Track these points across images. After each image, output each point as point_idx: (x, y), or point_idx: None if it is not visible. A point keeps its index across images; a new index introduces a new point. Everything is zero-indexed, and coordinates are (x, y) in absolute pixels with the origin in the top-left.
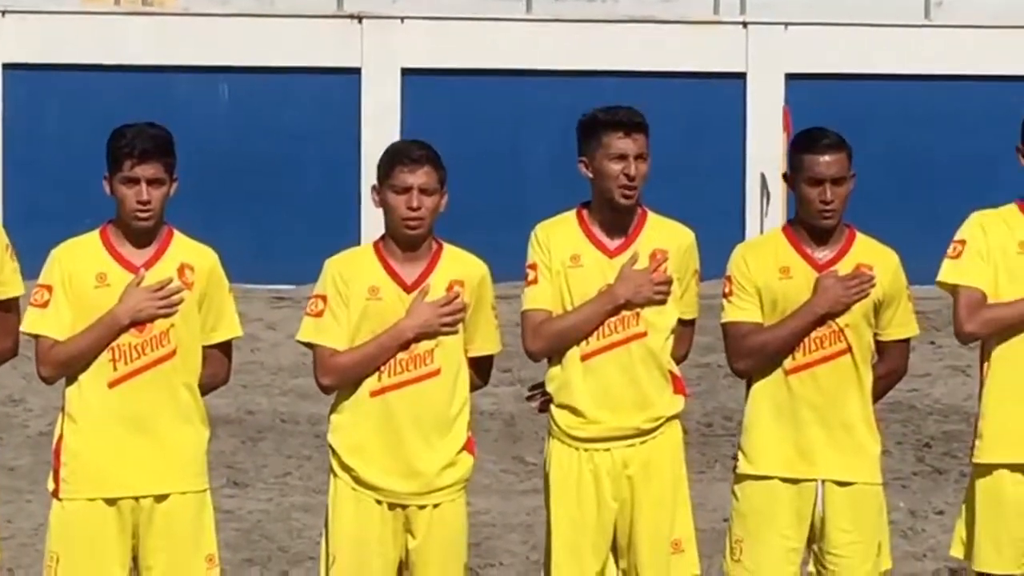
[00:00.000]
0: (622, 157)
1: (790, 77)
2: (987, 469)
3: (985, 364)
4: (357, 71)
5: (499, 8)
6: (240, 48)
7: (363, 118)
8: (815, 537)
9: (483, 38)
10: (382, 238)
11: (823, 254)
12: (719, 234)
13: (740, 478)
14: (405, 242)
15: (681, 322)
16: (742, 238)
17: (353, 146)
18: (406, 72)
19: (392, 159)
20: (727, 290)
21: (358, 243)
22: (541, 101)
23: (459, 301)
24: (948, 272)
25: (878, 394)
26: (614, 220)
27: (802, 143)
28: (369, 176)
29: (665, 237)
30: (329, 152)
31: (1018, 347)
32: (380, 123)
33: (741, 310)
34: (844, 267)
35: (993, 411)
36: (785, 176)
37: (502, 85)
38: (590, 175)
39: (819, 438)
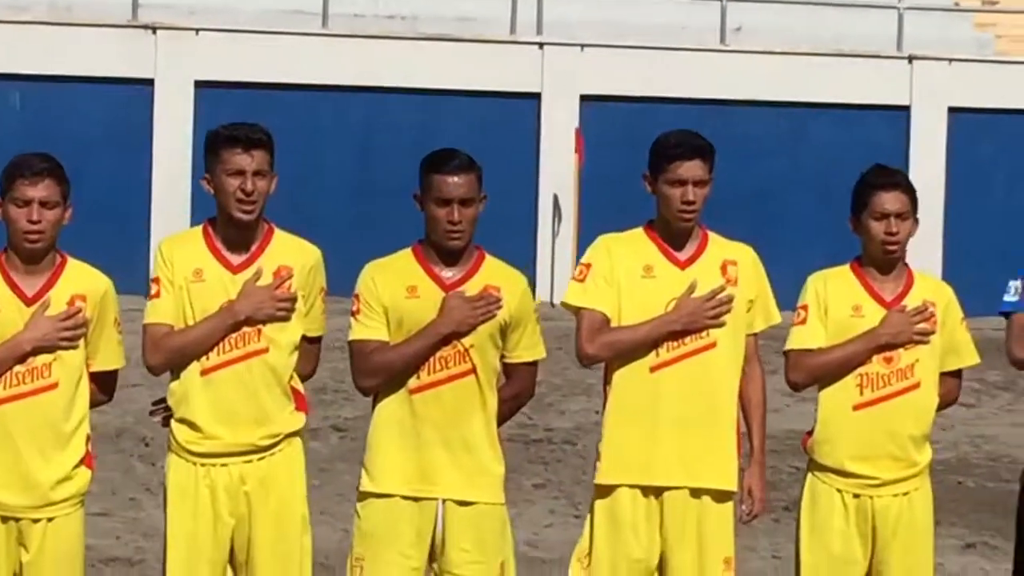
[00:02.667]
0: (239, 173)
1: (584, 99)
2: (607, 490)
3: (607, 387)
4: (151, 82)
5: (295, 23)
6: (33, 57)
7: (155, 130)
8: (435, 556)
9: (278, 52)
10: (4, 250)
11: (450, 273)
12: (512, 253)
13: (362, 496)
14: (25, 255)
15: (307, 339)
16: (534, 257)
17: (145, 157)
18: (200, 84)
19: (13, 172)
20: (355, 308)
21: (147, 253)
22: (335, 117)
23: (80, 316)
24: (571, 294)
25: (503, 416)
26: (238, 236)
27: None
28: (160, 188)
29: (290, 254)
30: (120, 163)
31: (638, 371)
32: (173, 135)
33: (368, 328)
34: (472, 288)
35: (612, 433)
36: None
37: (296, 99)
38: (211, 190)
39: (441, 458)
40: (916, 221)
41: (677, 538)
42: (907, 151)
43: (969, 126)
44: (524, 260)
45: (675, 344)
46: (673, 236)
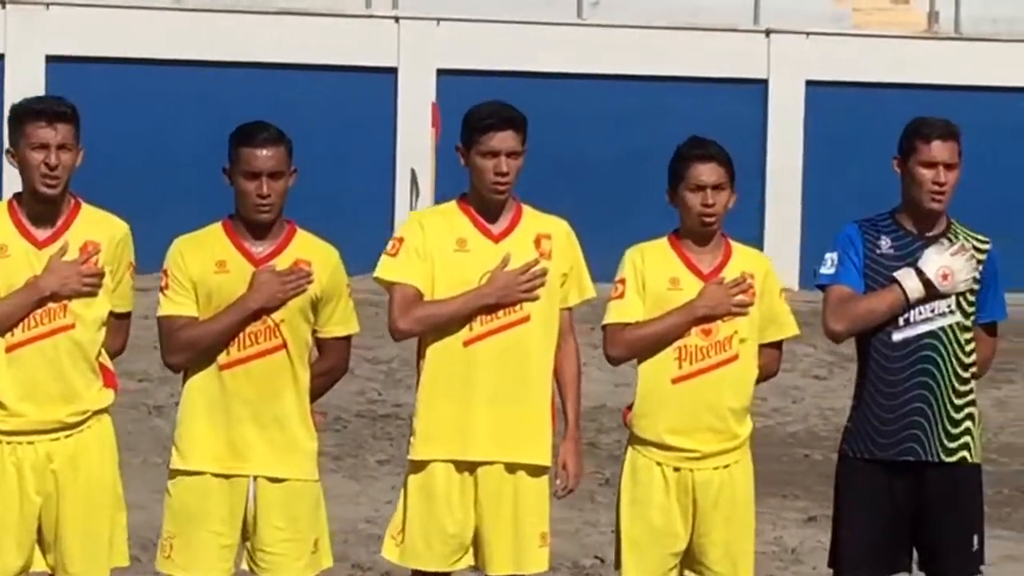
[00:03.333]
0: (43, 147)
1: (441, 72)
2: (420, 465)
3: (421, 361)
4: (1, 57)
5: None
6: None
7: (5, 103)
8: (248, 534)
9: (132, 26)
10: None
11: (260, 248)
12: (369, 228)
13: (173, 474)
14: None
15: (115, 315)
16: (390, 232)
17: None
18: (51, 59)
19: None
20: (163, 284)
21: None
22: (188, 92)
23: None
24: (383, 269)
25: (316, 392)
26: (43, 211)
27: None
28: None
29: (98, 228)
30: None
31: (451, 345)
32: None
33: (175, 304)
34: (282, 262)
35: (426, 408)
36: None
37: (149, 74)
38: (16, 164)
39: (251, 434)
40: (734, 192)
41: (492, 513)
42: (765, 124)
43: (826, 99)
44: (381, 235)
45: (488, 318)
46: (487, 209)
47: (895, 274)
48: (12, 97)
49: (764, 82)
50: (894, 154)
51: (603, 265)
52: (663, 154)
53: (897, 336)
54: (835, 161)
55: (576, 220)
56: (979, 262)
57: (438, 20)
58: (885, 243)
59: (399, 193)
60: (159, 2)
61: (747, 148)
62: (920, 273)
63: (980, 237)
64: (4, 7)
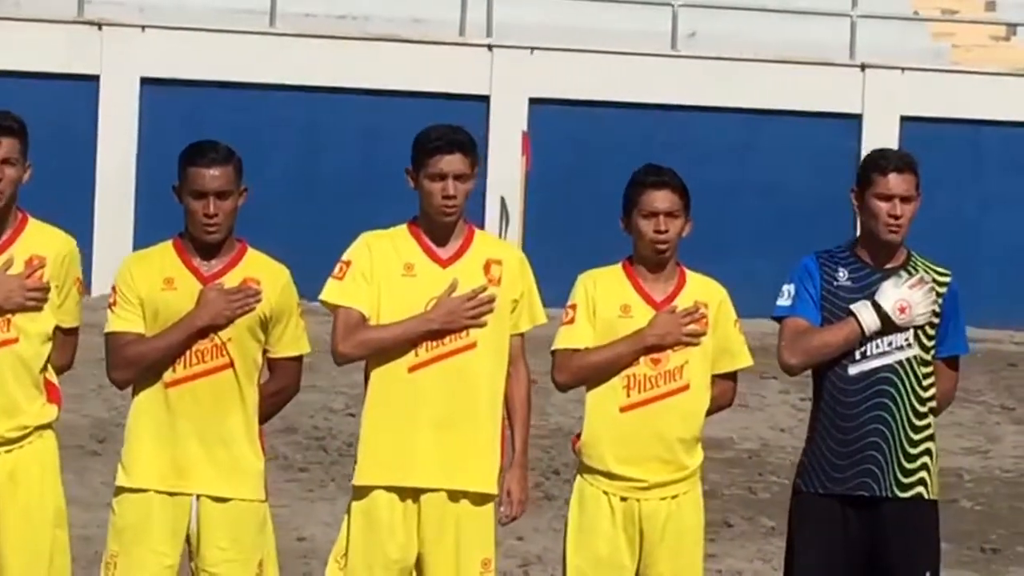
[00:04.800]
0: None
1: (533, 101)
2: (364, 491)
3: (366, 386)
4: (96, 78)
5: (244, 21)
6: None
7: (100, 125)
8: (192, 554)
9: (226, 50)
10: None
11: (208, 266)
12: None
13: (118, 491)
14: None
15: (63, 330)
16: None
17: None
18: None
19: None
20: (112, 300)
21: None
22: (281, 116)
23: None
24: (329, 292)
25: (266, 413)
26: None
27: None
28: (106, 186)
29: (44, 243)
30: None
31: (395, 371)
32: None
33: (122, 320)
34: (230, 280)
35: (369, 434)
36: None
37: (243, 98)
38: None
39: (196, 453)
40: (689, 220)
41: (435, 539)
42: (857, 158)
43: (921, 135)
44: None
45: (434, 344)
46: (436, 233)
47: (851, 307)
48: (106, 120)
49: (859, 117)
50: (987, 190)
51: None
52: (756, 187)
53: (853, 370)
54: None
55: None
56: (939, 295)
57: (531, 49)
58: (843, 275)
59: (489, 221)
60: (255, 26)
61: (838, 182)
62: (877, 306)
63: (940, 269)
64: (100, 29)
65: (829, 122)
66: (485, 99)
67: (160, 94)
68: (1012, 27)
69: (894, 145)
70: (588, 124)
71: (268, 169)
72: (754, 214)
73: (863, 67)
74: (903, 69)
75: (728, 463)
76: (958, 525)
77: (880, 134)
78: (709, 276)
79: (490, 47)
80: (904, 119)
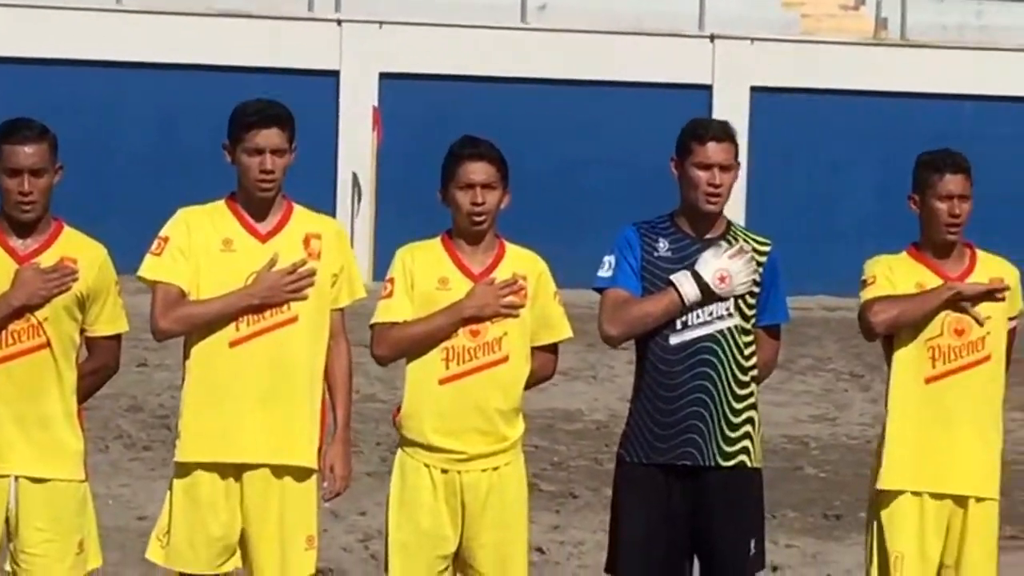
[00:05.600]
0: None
1: (384, 76)
2: (186, 468)
3: (186, 362)
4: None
5: None
6: None
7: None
8: (11, 535)
9: (68, 28)
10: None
11: (24, 245)
12: None
13: None
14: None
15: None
16: None
17: None
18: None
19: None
20: None
21: None
22: (128, 94)
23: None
24: (146, 268)
25: (85, 392)
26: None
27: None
28: None
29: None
30: None
31: (216, 346)
32: None
33: None
34: (46, 259)
35: (190, 411)
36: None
37: (88, 76)
38: None
39: (12, 433)
40: (507, 192)
41: (258, 516)
42: None
43: (771, 105)
44: None
45: (255, 319)
46: (255, 208)
47: (671, 277)
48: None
49: (709, 88)
50: (839, 160)
51: (562, 274)
52: (606, 160)
53: (674, 340)
54: (779, 166)
55: (516, 227)
56: (759, 264)
57: (380, 23)
58: (663, 245)
59: (340, 197)
60: (102, 3)
61: None
62: (697, 276)
63: (760, 239)
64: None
65: (679, 93)
66: (335, 74)
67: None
68: None
69: (744, 116)
70: (439, 98)
71: (121, 147)
72: (606, 187)
73: (712, 38)
74: (753, 39)
75: (576, 435)
76: (803, 492)
77: (730, 104)
78: (529, 248)
79: (339, 22)
80: (754, 89)
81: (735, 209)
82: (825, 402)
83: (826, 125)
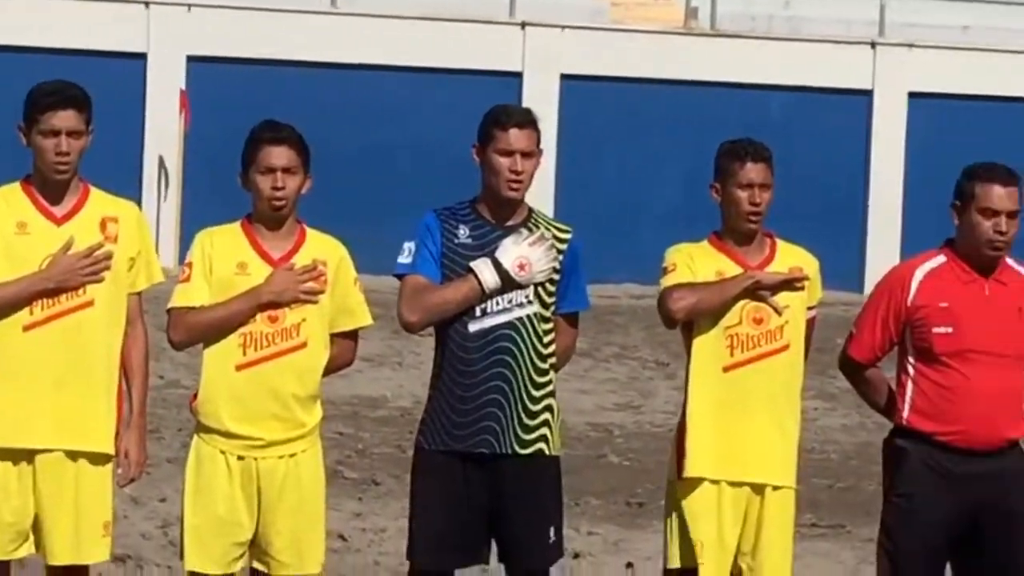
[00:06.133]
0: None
1: (191, 59)
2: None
3: None
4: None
5: None
6: None
7: None
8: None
9: None
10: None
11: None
12: None
13: None
14: None
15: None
16: None
17: None
18: None
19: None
20: None
21: None
22: None
23: None
24: None
25: None
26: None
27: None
28: None
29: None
30: None
31: (10, 330)
32: None
33: None
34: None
35: None
36: None
37: None
38: None
39: None
40: (308, 176)
41: (52, 502)
42: None
43: (581, 92)
44: None
45: (50, 302)
46: (50, 191)
47: (471, 264)
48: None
49: (519, 75)
50: (649, 149)
51: (365, 260)
52: (415, 146)
53: (473, 327)
54: (588, 155)
55: (321, 213)
56: (559, 252)
57: (189, 6)
58: (464, 232)
59: (147, 180)
60: None
61: None
62: (497, 263)
63: (561, 227)
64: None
65: (490, 80)
66: (142, 56)
67: None
68: None
69: (554, 104)
70: (248, 82)
71: None
72: (413, 173)
73: (523, 25)
74: (563, 27)
75: (380, 422)
76: (606, 480)
77: (541, 92)
78: (329, 235)
79: (147, 4)
80: (564, 77)
81: (543, 197)
82: (630, 390)
83: (635, 114)
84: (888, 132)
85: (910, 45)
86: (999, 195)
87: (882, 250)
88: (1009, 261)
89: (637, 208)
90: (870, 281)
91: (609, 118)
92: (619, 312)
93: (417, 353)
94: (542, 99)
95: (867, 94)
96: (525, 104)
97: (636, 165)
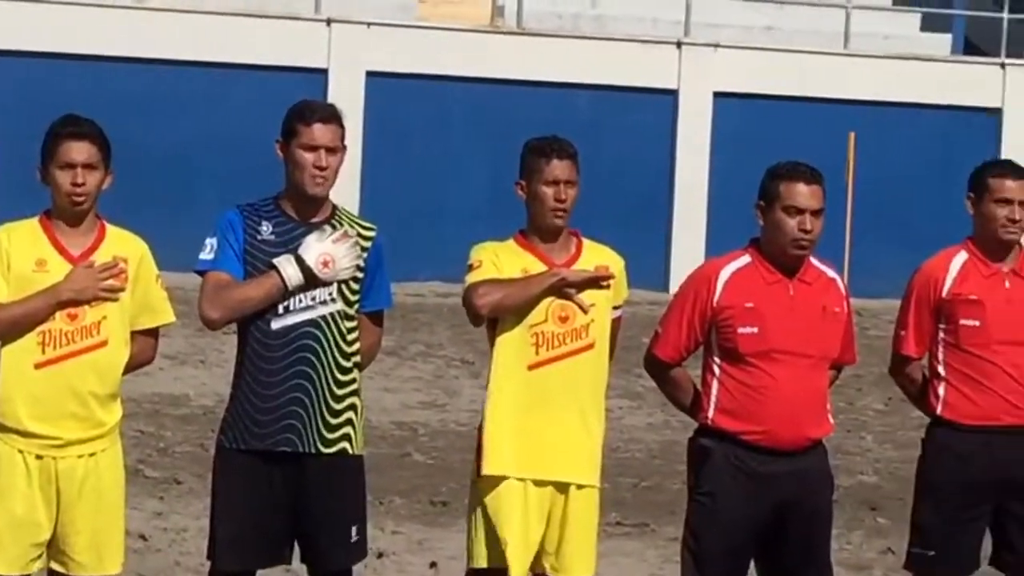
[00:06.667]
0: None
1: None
2: None
3: None
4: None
5: None
6: None
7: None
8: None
9: None
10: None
11: None
12: None
13: None
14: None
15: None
16: None
17: None
18: None
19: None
20: None
21: None
22: None
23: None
24: None
25: None
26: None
27: None
28: None
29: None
30: None
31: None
32: None
33: None
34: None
35: None
36: None
37: None
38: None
39: None
40: (109, 173)
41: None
42: None
43: (387, 89)
44: None
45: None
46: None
47: (274, 260)
48: None
49: (324, 71)
50: (455, 147)
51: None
52: (219, 142)
53: (276, 324)
54: (394, 152)
55: (124, 207)
56: (364, 249)
57: None
58: (266, 229)
59: None
60: None
61: None
62: (300, 260)
63: (366, 224)
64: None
65: (295, 77)
66: None
67: None
68: None
69: (360, 100)
70: (50, 76)
71: None
72: (219, 170)
73: (329, 22)
74: (369, 24)
75: (183, 420)
76: (410, 479)
77: (346, 89)
78: (130, 231)
79: None
80: (370, 74)
81: (348, 194)
82: (435, 388)
83: (442, 111)
84: (693, 132)
85: (715, 45)
86: (803, 193)
87: (687, 249)
88: (813, 261)
89: (443, 206)
90: (675, 280)
91: (415, 116)
92: (424, 310)
93: (220, 351)
94: (348, 96)
95: (673, 93)
96: (331, 101)
97: (442, 163)
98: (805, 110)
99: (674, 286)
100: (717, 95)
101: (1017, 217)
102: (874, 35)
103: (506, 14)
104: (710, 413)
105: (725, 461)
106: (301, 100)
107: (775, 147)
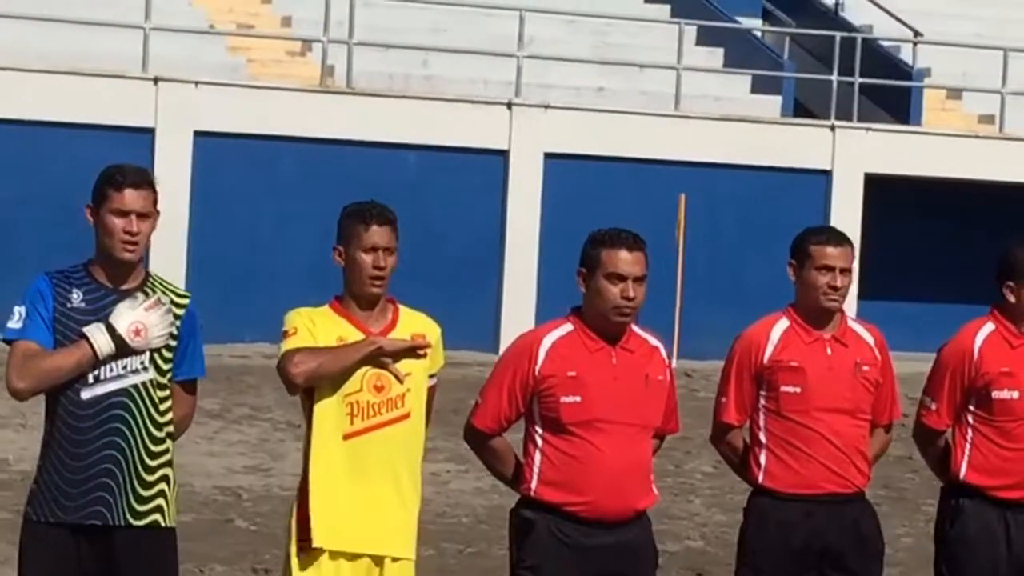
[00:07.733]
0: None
1: None
2: None
3: None
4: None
5: None
6: None
7: None
8: None
9: None
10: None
11: None
12: None
13: None
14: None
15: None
16: None
17: None
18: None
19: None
20: None
21: None
22: None
23: None
24: None
25: None
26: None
27: None
28: None
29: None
30: None
31: None
32: None
33: None
34: None
35: None
36: None
37: None
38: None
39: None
40: None
41: None
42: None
43: (217, 149)
44: None
45: None
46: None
47: (84, 329)
48: None
49: (152, 131)
50: (283, 207)
51: None
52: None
53: (86, 394)
54: (222, 213)
55: None
56: (177, 317)
57: None
58: (77, 296)
59: None
60: None
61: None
62: (111, 328)
63: (179, 291)
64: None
65: (122, 136)
66: None
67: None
68: (307, 43)
69: (188, 161)
70: None
71: None
72: (38, 232)
73: (156, 80)
74: (197, 83)
75: (1, 486)
76: (233, 546)
77: (174, 149)
78: None
79: None
80: (198, 134)
81: (175, 255)
82: (261, 452)
83: (270, 172)
84: (524, 192)
85: (546, 106)
86: (625, 260)
87: (518, 311)
88: (636, 329)
89: (271, 267)
90: (505, 341)
91: (243, 176)
92: (251, 372)
93: (41, 415)
94: (175, 156)
95: (503, 154)
96: (158, 161)
97: (270, 224)
98: (636, 171)
99: (503, 347)
100: (548, 156)
101: (839, 284)
102: (705, 97)
103: (336, 74)
104: (533, 484)
105: (548, 533)
106: (111, 164)
107: (606, 208)
